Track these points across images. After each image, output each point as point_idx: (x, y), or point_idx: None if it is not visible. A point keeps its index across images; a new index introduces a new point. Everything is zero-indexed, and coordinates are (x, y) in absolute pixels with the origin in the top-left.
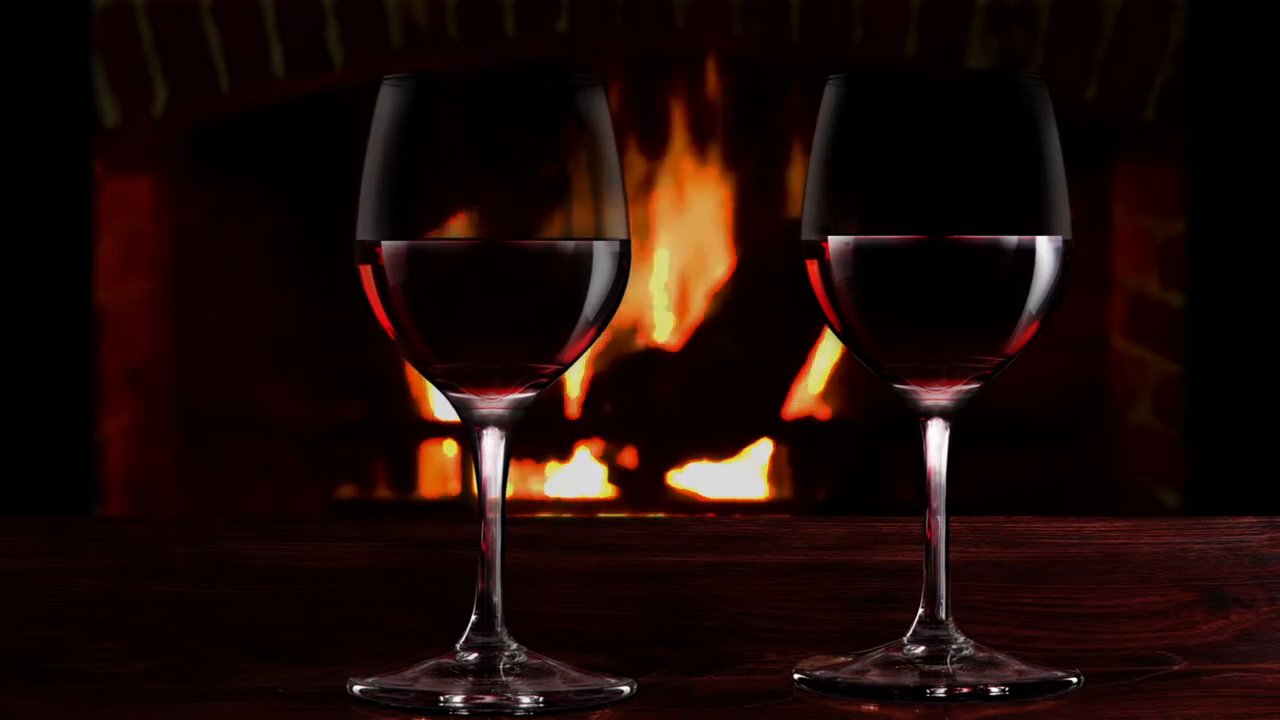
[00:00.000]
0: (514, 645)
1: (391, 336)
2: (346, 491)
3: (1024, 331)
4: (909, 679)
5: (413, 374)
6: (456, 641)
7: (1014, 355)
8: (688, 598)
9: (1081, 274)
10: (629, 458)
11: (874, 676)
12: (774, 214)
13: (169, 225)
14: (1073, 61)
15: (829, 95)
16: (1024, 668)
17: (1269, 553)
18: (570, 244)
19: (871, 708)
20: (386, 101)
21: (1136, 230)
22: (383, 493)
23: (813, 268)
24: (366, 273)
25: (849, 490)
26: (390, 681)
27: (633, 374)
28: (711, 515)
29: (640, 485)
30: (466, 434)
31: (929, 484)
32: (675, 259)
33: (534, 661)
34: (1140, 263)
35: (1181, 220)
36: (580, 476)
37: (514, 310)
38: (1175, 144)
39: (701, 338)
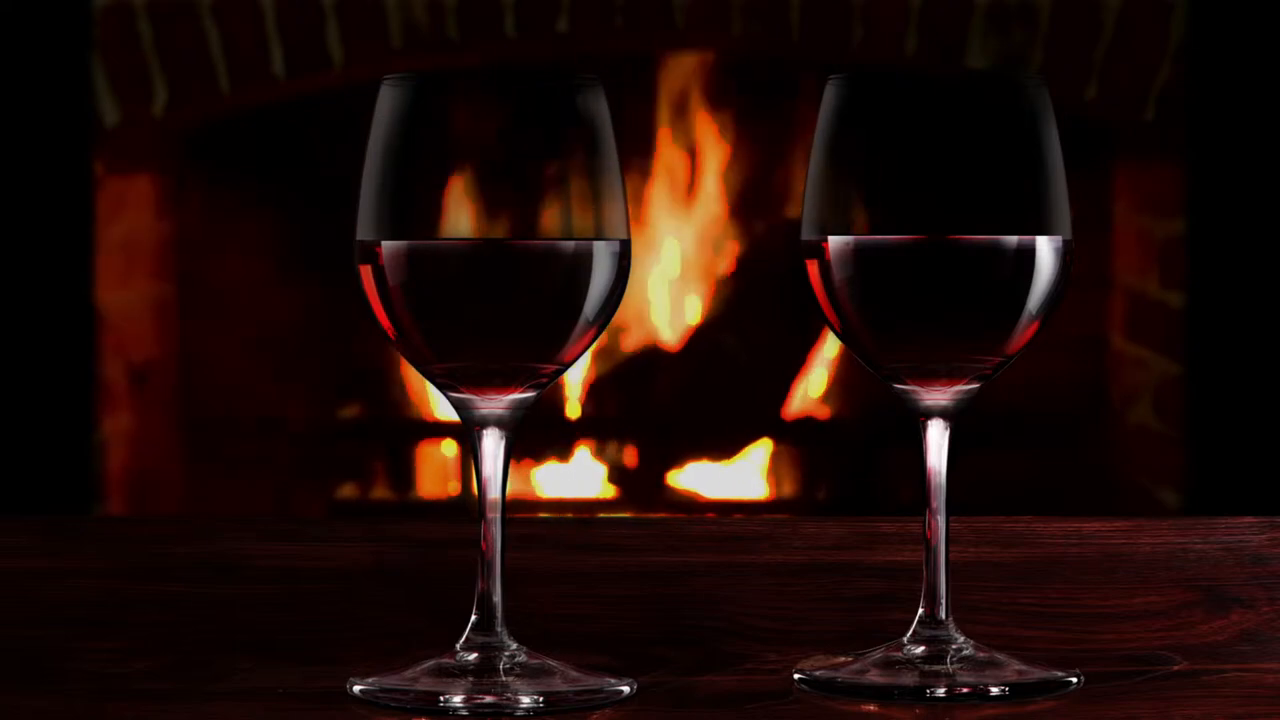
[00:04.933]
0: (514, 645)
1: (391, 336)
2: (346, 491)
3: (1024, 331)
4: (909, 679)
5: (413, 374)
6: (456, 641)
7: (1014, 355)
8: (688, 598)
9: (1081, 274)
10: (629, 458)
11: (874, 676)
12: (774, 214)
13: (169, 225)
14: (1073, 61)
15: (829, 95)
16: (1024, 668)
17: (1269, 553)
18: (570, 244)
19: (871, 708)
20: (386, 101)
21: (1136, 230)
22: (383, 493)
23: (813, 268)
24: (366, 273)
25: (849, 490)
26: (390, 681)
27: (633, 374)
28: (711, 515)
29: (640, 485)
30: (466, 434)
31: (929, 484)
32: (675, 259)
33: (534, 661)
34: (1140, 263)
35: (1181, 220)
36: (580, 476)
37: (514, 310)
38: (1175, 144)
39: (701, 338)
